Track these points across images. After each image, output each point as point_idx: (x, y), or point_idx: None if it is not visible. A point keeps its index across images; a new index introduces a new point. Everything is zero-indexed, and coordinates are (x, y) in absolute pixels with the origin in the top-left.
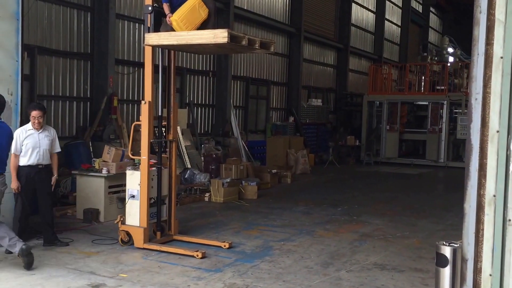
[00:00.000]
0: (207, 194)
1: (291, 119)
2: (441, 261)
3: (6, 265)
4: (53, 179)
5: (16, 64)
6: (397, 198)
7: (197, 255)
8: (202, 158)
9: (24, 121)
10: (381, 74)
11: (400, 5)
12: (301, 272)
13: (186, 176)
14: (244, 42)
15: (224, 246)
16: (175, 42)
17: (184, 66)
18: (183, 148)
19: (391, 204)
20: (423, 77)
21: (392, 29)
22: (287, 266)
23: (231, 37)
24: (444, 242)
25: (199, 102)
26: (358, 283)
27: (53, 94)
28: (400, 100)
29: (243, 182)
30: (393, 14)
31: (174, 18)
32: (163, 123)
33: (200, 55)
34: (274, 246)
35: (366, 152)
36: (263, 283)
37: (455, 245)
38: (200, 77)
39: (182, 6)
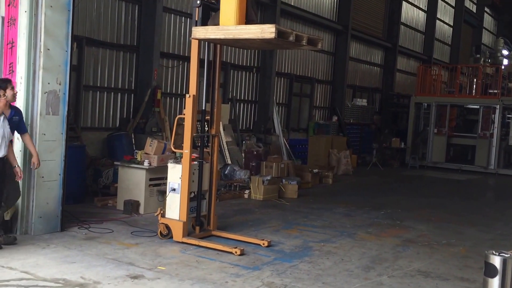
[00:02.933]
0: (246, 191)
1: (335, 118)
2: (490, 271)
3: (48, 252)
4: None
5: (65, 54)
6: (443, 204)
7: (236, 252)
8: (243, 154)
9: (71, 110)
10: (430, 75)
11: (453, 4)
12: (341, 274)
13: (226, 172)
14: (291, 38)
15: (263, 244)
16: (222, 36)
17: (228, 61)
18: (224, 143)
19: (437, 210)
20: (474, 80)
21: (444, 29)
22: (326, 268)
23: (279, 32)
24: (493, 252)
25: (242, 98)
26: None
27: (98, 85)
28: (449, 102)
29: (284, 180)
30: (445, 13)
31: None
32: (206, 118)
33: (245, 50)
34: (314, 246)
35: (412, 155)
36: (301, 283)
37: (506, 255)
38: (243, 72)
39: None
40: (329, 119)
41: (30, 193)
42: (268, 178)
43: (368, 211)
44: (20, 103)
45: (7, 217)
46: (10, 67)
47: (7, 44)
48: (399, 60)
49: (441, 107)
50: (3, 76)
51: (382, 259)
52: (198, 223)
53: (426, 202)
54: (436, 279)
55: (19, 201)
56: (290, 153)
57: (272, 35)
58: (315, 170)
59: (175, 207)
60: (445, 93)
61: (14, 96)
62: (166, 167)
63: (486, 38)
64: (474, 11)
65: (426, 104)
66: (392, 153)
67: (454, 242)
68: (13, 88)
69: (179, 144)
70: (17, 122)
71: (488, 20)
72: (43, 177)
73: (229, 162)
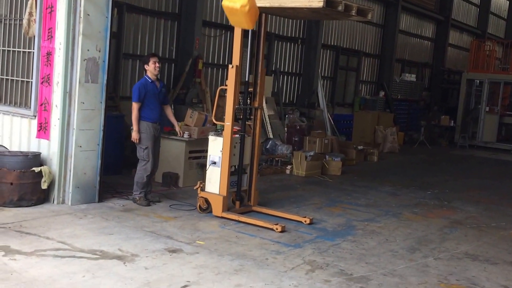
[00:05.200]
0: (288, 167)
1: (382, 93)
2: None
3: (85, 223)
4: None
5: (106, 20)
6: (493, 186)
7: (277, 229)
8: (286, 129)
9: (111, 79)
10: (483, 51)
11: None
12: (385, 255)
13: (268, 147)
14: (340, 8)
15: (305, 221)
16: (267, 5)
17: (273, 31)
18: (266, 117)
19: (486, 191)
20: None
21: (499, 2)
22: (370, 248)
23: (327, 1)
24: None
25: (286, 70)
26: (447, 272)
27: (138, 53)
28: (503, 80)
29: (327, 156)
30: None
31: None
32: (249, 89)
33: (290, 21)
34: (357, 225)
35: (461, 134)
36: (344, 263)
37: None
38: (288, 44)
39: None
40: (376, 94)
41: (68, 163)
42: (311, 153)
43: (415, 190)
44: (59, 71)
45: (44, 185)
46: (49, 32)
47: (46, 9)
48: (451, 34)
49: (494, 84)
50: (42, 42)
51: (428, 240)
52: (238, 198)
53: (475, 183)
54: (485, 263)
55: (56, 170)
56: (334, 128)
57: (320, 4)
58: (360, 147)
59: (215, 181)
60: (499, 70)
61: (155, 69)
62: (207, 139)
63: None
64: None
65: (478, 81)
66: (441, 131)
67: (504, 225)
68: (154, 63)
69: (220, 116)
70: (164, 94)
71: None
72: (80, 146)
73: (271, 136)
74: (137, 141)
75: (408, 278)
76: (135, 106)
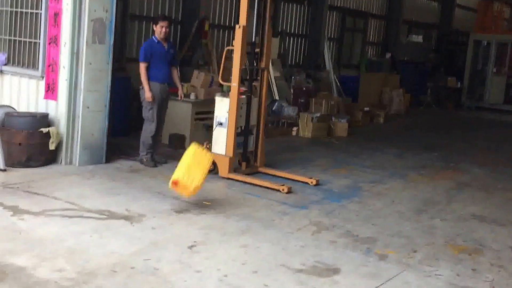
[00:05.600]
0: (294, 128)
1: (388, 55)
2: None
3: (93, 183)
4: None
5: None
6: (501, 148)
7: (283, 190)
8: (292, 90)
9: (117, 40)
10: (491, 12)
11: None
12: (391, 216)
13: (274, 108)
14: None
15: (311, 182)
16: None
17: None
18: (272, 79)
19: (493, 153)
20: None
21: None
22: (377, 209)
23: None
24: None
25: (292, 32)
26: (454, 234)
27: (144, 14)
28: (511, 41)
29: (333, 118)
30: None
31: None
32: (255, 50)
33: None
34: (364, 187)
35: (468, 95)
36: (350, 224)
37: None
38: (294, 5)
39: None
40: (382, 56)
41: (75, 124)
42: (317, 115)
43: (421, 152)
44: (66, 31)
45: (52, 146)
46: None
47: None
48: None
49: (501, 45)
50: (49, 2)
51: (435, 202)
52: (244, 159)
53: (482, 145)
54: (492, 224)
55: (64, 131)
56: (340, 90)
57: None
58: (366, 109)
59: (221, 142)
60: (507, 31)
61: (161, 33)
62: (213, 101)
63: None
64: None
65: (485, 42)
66: (448, 93)
67: (511, 187)
68: (162, 27)
69: (226, 78)
70: (173, 54)
71: None
72: (88, 107)
73: (277, 98)
74: (150, 99)
75: (415, 239)
76: (142, 66)
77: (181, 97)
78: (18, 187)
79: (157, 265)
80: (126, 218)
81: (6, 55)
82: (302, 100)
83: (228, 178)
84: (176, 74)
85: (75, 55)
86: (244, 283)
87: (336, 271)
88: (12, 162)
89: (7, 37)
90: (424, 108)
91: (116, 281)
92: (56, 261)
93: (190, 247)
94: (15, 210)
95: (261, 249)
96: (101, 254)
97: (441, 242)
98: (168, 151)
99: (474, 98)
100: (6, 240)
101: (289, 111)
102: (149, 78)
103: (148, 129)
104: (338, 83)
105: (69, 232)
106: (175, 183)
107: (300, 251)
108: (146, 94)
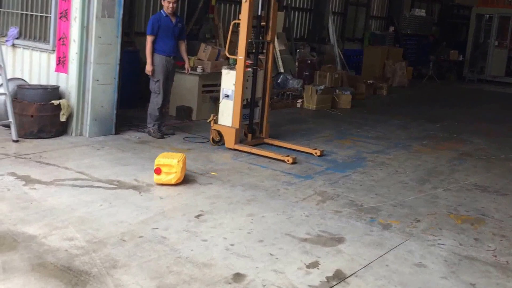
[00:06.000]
0: (299, 100)
1: (391, 29)
2: None
3: (103, 154)
4: None
5: None
6: (502, 119)
7: (288, 160)
8: (296, 63)
9: (126, 14)
10: None
11: None
12: (394, 186)
13: (279, 81)
14: None
15: (315, 153)
16: None
17: None
18: (278, 52)
19: (495, 124)
20: None
21: None
22: (380, 179)
23: None
24: None
25: (297, 6)
26: (456, 203)
27: None
28: None
29: (337, 90)
30: None
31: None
32: (261, 24)
33: None
34: (367, 157)
35: (470, 68)
36: (354, 194)
37: None
38: None
39: None
40: (385, 30)
41: (86, 96)
42: (322, 87)
43: (424, 123)
44: (76, 5)
45: (62, 118)
46: None
47: None
48: None
49: (503, 19)
50: None
51: (438, 172)
52: (250, 130)
53: (484, 116)
54: (494, 194)
55: (75, 103)
56: (344, 63)
57: None
58: (370, 81)
59: (228, 114)
60: (508, 4)
61: (168, 8)
62: (219, 73)
63: None
64: None
65: (488, 15)
66: (450, 66)
67: None
68: (169, 2)
69: (233, 51)
70: (181, 29)
71: None
72: (98, 80)
73: (282, 71)
74: (150, 73)
75: (418, 209)
76: (148, 39)
77: (187, 70)
78: (30, 158)
79: (164, 234)
80: (134, 187)
81: (18, 29)
82: (306, 73)
83: (234, 149)
84: (184, 48)
85: (85, 29)
86: (250, 252)
87: (340, 240)
88: (24, 133)
89: (19, 12)
90: (427, 80)
91: (125, 250)
92: (67, 230)
93: (197, 216)
94: (27, 180)
95: (266, 218)
96: (110, 223)
97: (444, 212)
98: (176, 122)
99: (476, 71)
100: (18, 209)
101: (294, 83)
102: (155, 51)
103: (154, 101)
104: (342, 56)
105: (79, 202)
106: (158, 170)
107: (305, 221)
108: (147, 67)
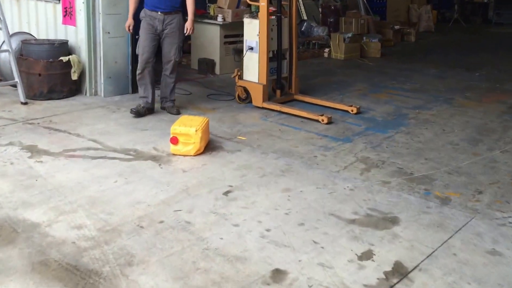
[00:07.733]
0: (326, 50)
1: None
2: None
3: (118, 117)
4: None
5: None
6: None
7: (322, 120)
8: (320, 9)
9: None
10: None
11: None
12: (445, 149)
13: (303, 29)
14: None
15: (352, 111)
16: None
17: None
18: None
19: None
20: None
21: None
22: (427, 140)
23: None
24: None
25: None
26: None
27: None
28: None
29: (364, 38)
30: None
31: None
32: None
33: None
34: (409, 114)
35: (496, 10)
36: (401, 159)
37: None
38: None
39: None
40: None
41: (97, 51)
42: (349, 35)
43: (461, 72)
44: None
45: (74, 76)
46: None
47: None
48: None
49: None
50: None
51: (490, 129)
52: (278, 86)
53: None
54: None
55: (86, 59)
56: (367, 8)
57: None
58: (397, 27)
59: (253, 68)
60: None
61: None
62: (241, 23)
63: None
64: None
65: None
66: (474, 8)
67: None
68: None
69: None
70: None
71: None
72: (109, 32)
73: (305, 18)
74: (127, 29)
75: (477, 176)
76: None
77: (187, 30)
78: (38, 123)
79: (188, 218)
80: (153, 158)
81: None
82: (331, 20)
83: (263, 108)
84: (190, 2)
85: None
86: (290, 239)
87: (394, 221)
88: (34, 94)
89: None
90: (452, 24)
91: (142, 240)
92: (75, 215)
93: (226, 193)
94: (34, 151)
95: (305, 194)
96: (126, 204)
97: (507, 180)
98: (199, 77)
99: (503, 13)
100: (20, 189)
101: (319, 31)
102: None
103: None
104: (365, 1)
105: (91, 177)
106: (175, 139)
107: (350, 196)
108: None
